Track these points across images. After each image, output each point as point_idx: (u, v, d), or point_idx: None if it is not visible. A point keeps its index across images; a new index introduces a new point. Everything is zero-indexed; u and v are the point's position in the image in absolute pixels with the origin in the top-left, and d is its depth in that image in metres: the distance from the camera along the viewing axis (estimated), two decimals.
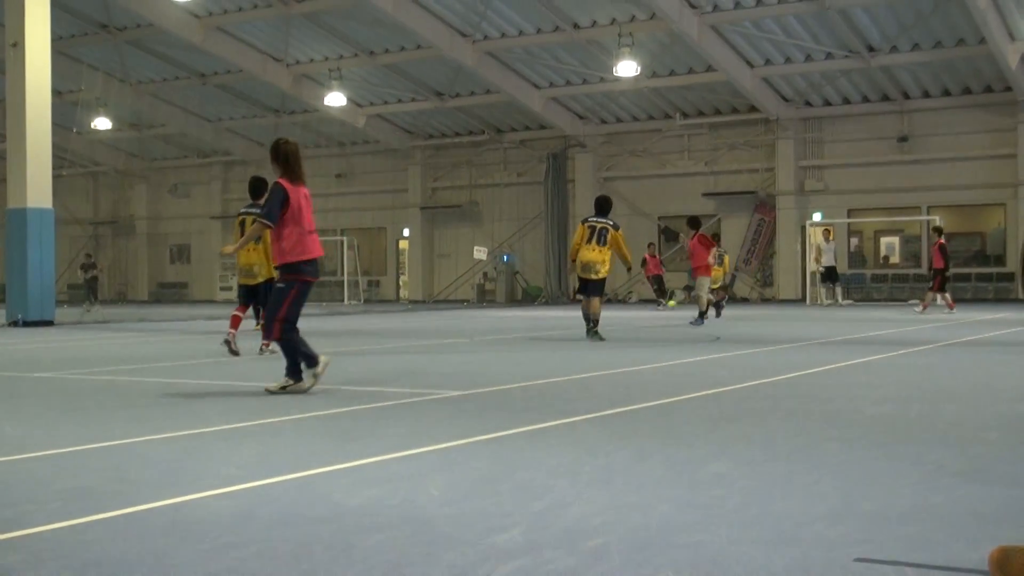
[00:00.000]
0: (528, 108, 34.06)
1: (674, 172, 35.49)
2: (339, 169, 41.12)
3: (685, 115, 34.42)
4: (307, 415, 7.12)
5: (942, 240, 23.91)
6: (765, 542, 3.64)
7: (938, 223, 26.63)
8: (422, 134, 38.91)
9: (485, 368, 10.76)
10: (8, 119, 22.09)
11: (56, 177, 22.85)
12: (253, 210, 12.16)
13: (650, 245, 31.80)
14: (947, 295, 23.81)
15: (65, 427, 6.79)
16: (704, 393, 8.21)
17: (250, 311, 13.34)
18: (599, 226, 15.14)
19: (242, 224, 12.68)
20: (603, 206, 15.57)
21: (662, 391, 8.40)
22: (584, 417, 6.88)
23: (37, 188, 21.41)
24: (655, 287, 30.76)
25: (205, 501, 4.44)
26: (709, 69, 30.82)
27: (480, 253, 31.39)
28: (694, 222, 21.60)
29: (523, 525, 3.93)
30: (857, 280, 33.14)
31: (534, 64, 32.32)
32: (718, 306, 22.77)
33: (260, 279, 12.60)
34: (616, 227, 15.25)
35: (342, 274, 38.71)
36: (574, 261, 15.18)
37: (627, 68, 28.46)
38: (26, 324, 20.51)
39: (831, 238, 29.47)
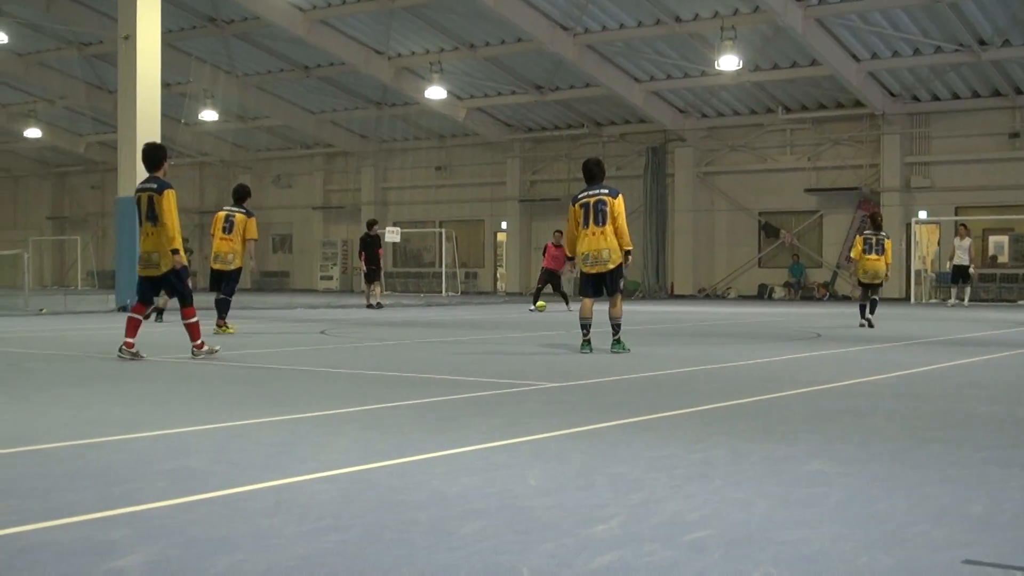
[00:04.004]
0: (628, 102, 33.88)
1: (776, 167, 34.99)
2: (438, 162, 41.41)
3: (788, 109, 33.90)
4: (405, 403, 7.19)
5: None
6: (868, 542, 3.57)
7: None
8: (521, 127, 38.95)
9: (582, 360, 10.75)
10: (120, 110, 22.68)
11: None
12: (149, 185, 10.80)
13: (556, 233, 25.02)
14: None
15: (171, 409, 6.96)
16: (803, 391, 8.08)
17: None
18: (592, 201, 11.58)
19: (138, 203, 10.92)
20: (593, 172, 11.85)
21: (760, 387, 8.30)
22: (680, 412, 6.83)
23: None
24: (543, 282, 24.32)
25: (307, 484, 4.51)
26: (813, 63, 30.30)
27: None
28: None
29: (620, 517, 3.91)
30: (968, 280, 32.29)
31: (635, 57, 32.12)
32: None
33: (164, 269, 10.73)
34: (615, 194, 11.62)
35: (440, 266, 38.96)
36: (571, 257, 12.00)
37: (729, 62, 28.10)
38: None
39: (964, 236, 28.25)
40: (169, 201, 10.62)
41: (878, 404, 7.29)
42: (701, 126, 35.78)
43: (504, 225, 40.13)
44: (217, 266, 14.68)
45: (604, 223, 11.46)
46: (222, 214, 14.85)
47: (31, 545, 3.49)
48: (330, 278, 42.57)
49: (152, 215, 10.66)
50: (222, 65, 36.55)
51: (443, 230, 39.37)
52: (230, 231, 14.68)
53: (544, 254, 25.17)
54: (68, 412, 6.84)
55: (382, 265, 25.59)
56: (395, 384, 8.50)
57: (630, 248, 11.66)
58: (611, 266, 11.50)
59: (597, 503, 4.15)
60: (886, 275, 17.42)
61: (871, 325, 16.72)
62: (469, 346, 12.96)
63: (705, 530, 3.72)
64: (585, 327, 11.71)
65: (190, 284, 10.96)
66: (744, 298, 34.30)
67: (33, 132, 43.38)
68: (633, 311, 22.94)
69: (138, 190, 10.96)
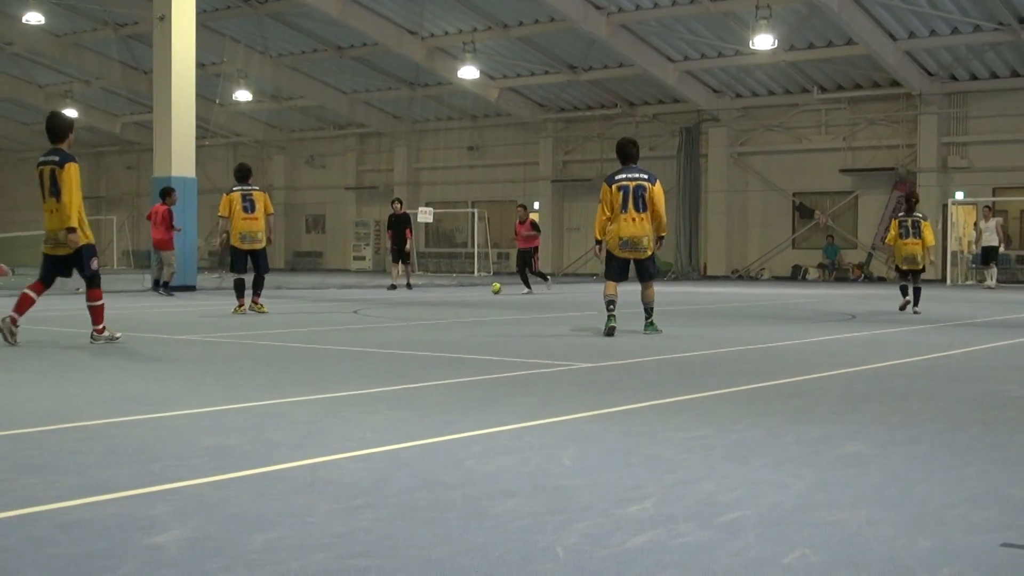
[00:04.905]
0: (661, 82, 33.69)
1: (811, 147, 34.71)
2: (471, 141, 41.36)
3: (823, 89, 33.59)
4: (439, 382, 7.21)
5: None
6: (906, 524, 3.55)
7: None
8: (554, 107, 38.83)
9: (615, 341, 10.73)
10: (155, 90, 22.81)
11: (199, 147, 23.50)
12: (50, 157, 9.88)
13: (520, 208, 25.32)
14: None
15: (208, 388, 7.01)
16: (839, 372, 8.04)
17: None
18: (633, 185, 11.30)
19: (40, 176, 9.97)
20: (630, 152, 11.54)
21: (795, 369, 8.26)
22: (715, 393, 6.81)
23: (181, 158, 22.09)
24: (519, 265, 24.12)
25: (341, 463, 4.53)
26: (849, 42, 29.99)
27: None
28: (165, 193, 20.74)
29: (655, 497, 3.91)
30: (1001, 261, 31.94)
31: (669, 37, 31.92)
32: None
33: (72, 248, 9.92)
34: (653, 180, 11.43)
35: (472, 246, 38.98)
36: (600, 241, 11.57)
37: (764, 41, 27.86)
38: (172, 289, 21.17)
39: (989, 217, 27.98)
40: (71, 175, 9.75)
41: (915, 386, 7.24)
42: (735, 106, 35.54)
43: (537, 205, 40.04)
44: (247, 246, 14.65)
45: (645, 209, 11.28)
46: (237, 194, 14.71)
47: (72, 520, 3.54)
48: (363, 258, 42.68)
49: (56, 190, 9.81)
50: (256, 45, 36.63)
51: (475, 210, 39.36)
52: (252, 210, 14.68)
53: (516, 236, 24.37)
54: (106, 390, 6.90)
55: (410, 245, 24.99)
56: (428, 364, 8.52)
57: (664, 235, 11.62)
58: (648, 253, 11.40)
59: (632, 484, 4.14)
60: (928, 260, 16.16)
61: (916, 311, 15.59)
62: (502, 326, 12.97)
63: (740, 511, 3.71)
64: (611, 303, 11.40)
65: (95, 264, 10.11)
66: (778, 279, 34.11)
67: (70, 112, 43.69)
68: (666, 292, 22.90)
69: (40, 163, 10.00)
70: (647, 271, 11.51)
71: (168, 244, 20.41)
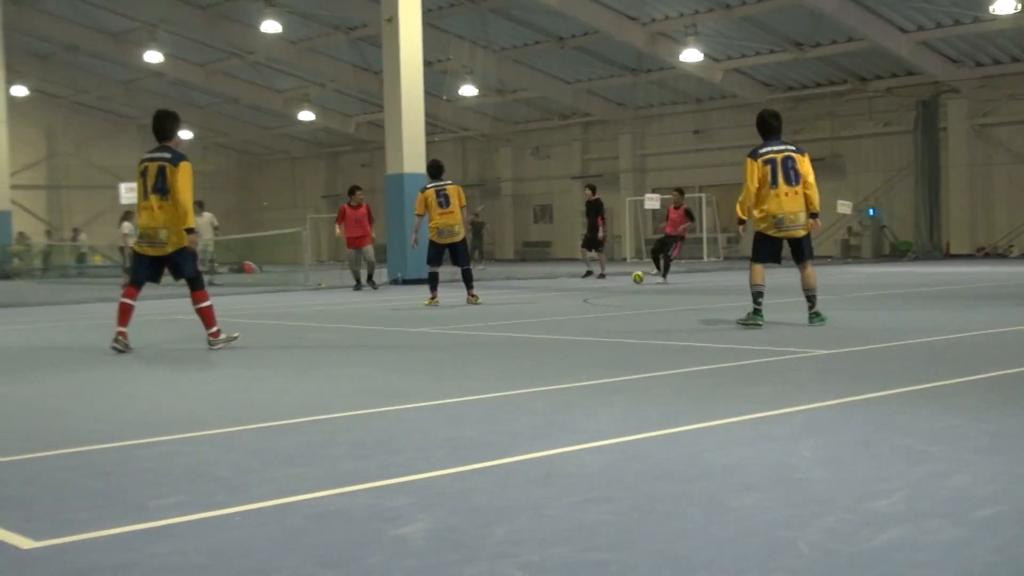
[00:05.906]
0: (894, 54, 32.32)
1: None
2: (696, 125, 40.86)
3: None
4: (671, 372, 7.15)
5: None
6: None
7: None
8: (781, 86, 37.88)
9: (852, 326, 10.37)
10: (385, 90, 23.55)
11: (428, 143, 24.11)
12: (161, 154, 9.59)
13: (676, 192, 23.49)
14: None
15: (444, 379, 7.19)
16: None
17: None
18: (780, 157, 10.34)
19: (143, 173, 9.65)
20: (772, 125, 10.57)
21: None
22: (965, 379, 6.48)
23: (412, 154, 22.73)
24: (658, 251, 22.37)
25: (577, 454, 4.55)
26: None
27: (844, 207, 30.11)
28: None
29: (903, 491, 3.75)
30: None
31: (901, 6, 30.55)
32: None
33: (171, 248, 9.57)
34: (802, 152, 10.53)
35: (701, 231, 38.52)
36: (743, 221, 10.70)
37: (1006, 5, 26.34)
38: (405, 282, 21.86)
39: None
40: (186, 175, 9.51)
41: None
42: (976, 75, 33.72)
43: None
44: (445, 240, 14.92)
45: (798, 182, 10.32)
46: (431, 191, 15.01)
47: (324, 511, 3.69)
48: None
49: (161, 187, 9.50)
50: (479, 41, 37.29)
51: (703, 195, 38.88)
52: (447, 204, 14.96)
53: (665, 221, 22.74)
54: (350, 383, 7.18)
55: (602, 233, 24.38)
56: (660, 352, 8.47)
57: (817, 212, 10.53)
58: (803, 232, 10.44)
59: (878, 476, 3.99)
60: None
61: None
62: (733, 312, 12.74)
63: (997, 506, 3.51)
64: (759, 295, 10.57)
65: (199, 265, 10.06)
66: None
67: (307, 115, 45.77)
68: (906, 273, 22.00)
69: (146, 159, 9.71)
70: (803, 251, 10.55)
71: (353, 242, 21.00)
